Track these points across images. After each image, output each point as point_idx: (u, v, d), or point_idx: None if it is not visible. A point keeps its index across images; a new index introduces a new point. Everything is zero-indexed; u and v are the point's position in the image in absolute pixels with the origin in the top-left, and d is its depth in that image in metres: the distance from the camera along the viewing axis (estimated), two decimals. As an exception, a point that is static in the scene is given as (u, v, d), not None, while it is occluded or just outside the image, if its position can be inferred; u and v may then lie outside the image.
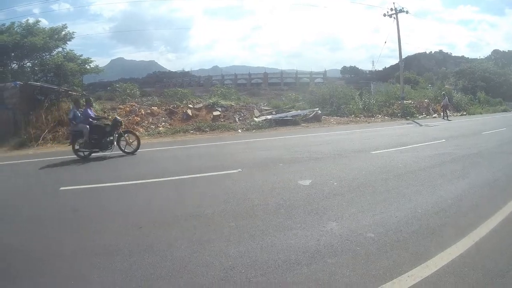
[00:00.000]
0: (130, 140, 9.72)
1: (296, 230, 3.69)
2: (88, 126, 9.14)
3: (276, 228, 3.75)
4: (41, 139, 14.87)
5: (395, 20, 25.58)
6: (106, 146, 9.36)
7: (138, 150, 9.61)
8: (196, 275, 2.83)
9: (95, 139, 9.18)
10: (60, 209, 5.03)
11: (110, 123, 9.80)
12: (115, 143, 9.41)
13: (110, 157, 9.18)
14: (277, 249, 3.24)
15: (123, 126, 10.28)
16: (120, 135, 9.63)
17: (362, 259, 2.99)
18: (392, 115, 21.95)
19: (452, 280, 2.65)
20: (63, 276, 2.94)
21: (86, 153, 9.30)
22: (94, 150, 9.26)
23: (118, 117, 10.47)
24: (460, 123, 18.95)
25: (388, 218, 3.98)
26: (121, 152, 9.43)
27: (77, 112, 9.71)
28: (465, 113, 26.38)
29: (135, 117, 16.07)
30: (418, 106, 24.90)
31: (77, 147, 9.25)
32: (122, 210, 4.80)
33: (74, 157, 9.18)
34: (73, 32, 26.83)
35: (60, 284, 2.84)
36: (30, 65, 26.52)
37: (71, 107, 9.73)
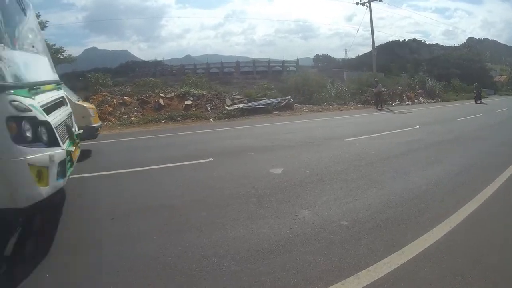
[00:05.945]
0: None
1: (268, 219, 3.59)
2: None
3: (248, 217, 3.63)
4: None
5: (368, 8, 25.94)
6: None
7: (113, 140, 9.36)
8: (168, 267, 2.69)
9: None
10: None
11: None
12: None
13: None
14: (249, 238, 3.14)
15: None
16: None
17: (336, 248, 2.92)
18: (365, 103, 21.92)
19: (429, 267, 2.61)
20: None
21: None
22: None
23: None
24: (433, 109, 19.36)
25: (361, 205, 3.91)
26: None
27: None
28: (439, 100, 26.93)
29: (108, 107, 15.49)
30: (391, 93, 25.06)
31: None
32: (92, 201, 4.47)
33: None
34: (46, 21, 23.89)
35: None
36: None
37: None
